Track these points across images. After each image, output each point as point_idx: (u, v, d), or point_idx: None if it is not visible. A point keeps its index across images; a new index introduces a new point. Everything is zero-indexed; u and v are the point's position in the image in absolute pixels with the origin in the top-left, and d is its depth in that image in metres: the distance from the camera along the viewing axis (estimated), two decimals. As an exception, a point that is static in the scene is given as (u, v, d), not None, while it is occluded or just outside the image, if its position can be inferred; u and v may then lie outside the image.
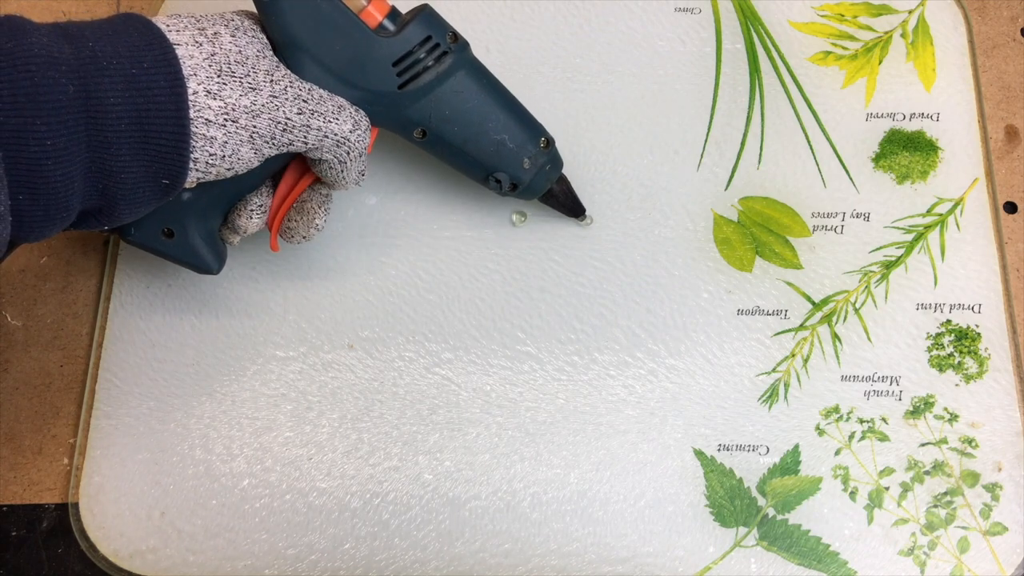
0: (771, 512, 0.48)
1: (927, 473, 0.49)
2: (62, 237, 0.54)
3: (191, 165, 0.39)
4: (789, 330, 0.52)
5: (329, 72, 0.44)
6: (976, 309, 0.52)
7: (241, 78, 0.40)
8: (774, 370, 0.51)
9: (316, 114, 0.42)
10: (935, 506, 0.48)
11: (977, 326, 0.52)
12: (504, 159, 0.48)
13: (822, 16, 0.58)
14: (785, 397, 0.50)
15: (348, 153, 0.44)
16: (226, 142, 0.39)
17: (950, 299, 0.52)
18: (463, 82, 0.46)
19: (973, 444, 0.50)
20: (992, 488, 0.49)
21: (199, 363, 0.51)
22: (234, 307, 0.52)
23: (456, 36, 0.46)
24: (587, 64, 0.57)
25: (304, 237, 0.48)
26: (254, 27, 0.43)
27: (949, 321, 0.52)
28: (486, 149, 0.48)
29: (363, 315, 0.52)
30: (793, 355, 0.51)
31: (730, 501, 0.49)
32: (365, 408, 0.50)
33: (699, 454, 0.49)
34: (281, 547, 0.48)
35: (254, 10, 0.44)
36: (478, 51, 0.58)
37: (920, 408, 0.50)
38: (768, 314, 0.52)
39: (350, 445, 0.50)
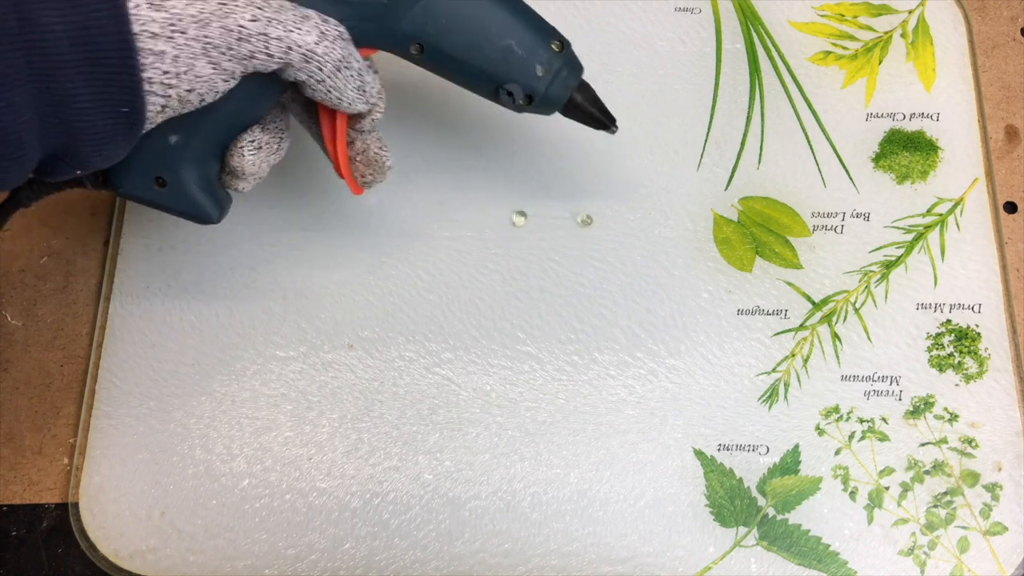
0: (771, 512, 0.48)
1: (927, 473, 0.49)
2: (62, 237, 0.54)
3: (146, 87, 0.37)
4: (789, 330, 0.52)
5: None
6: (976, 309, 0.52)
7: None
8: (774, 370, 0.51)
9: (274, 22, 0.39)
10: (935, 506, 0.48)
11: (977, 326, 0.52)
12: (514, 67, 0.44)
13: (822, 16, 0.58)
14: (785, 397, 0.50)
15: (321, 68, 0.41)
16: (177, 56, 0.37)
17: (950, 299, 0.52)
18: None
19: (973, 444, 0.50)
20: (992, 488, 0.49)
21: (199, 363, 0.51)
22: (234, 307, 0.52)
23: None
24: (587, 64, 0.57)
25: (383, 179, 0.47)
26: None
27: (949, 321, 0.52)
28: (491, 57, 0.43)
29: (363, 315, 0.52)
30: (793, 355, 0.51)
31: (730, 501, 0.49)
32: (365, 408, 0.50)
33: (699, 454, 0.49)
34: (281, 547, 0.48)
35: None
36: (478, 51, 0.57)
37: (920, 408, 0.50)
38: (768, 314, 0.52)
39: (350, 445, 0.50)
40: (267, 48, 0.39)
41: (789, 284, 0.52)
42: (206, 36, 0.38)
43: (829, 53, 0.57)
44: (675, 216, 0.54)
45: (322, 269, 0.53)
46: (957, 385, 0.51)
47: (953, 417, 0.50)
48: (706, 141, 0.56)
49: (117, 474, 0.49)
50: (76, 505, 0.49)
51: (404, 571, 0.47)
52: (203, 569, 0.47)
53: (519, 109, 0.46)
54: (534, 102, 0.45)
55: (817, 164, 0.55)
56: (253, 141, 0.43)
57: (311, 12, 0.41)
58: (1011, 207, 0.55)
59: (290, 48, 0.40)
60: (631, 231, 0.54)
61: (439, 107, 0.56)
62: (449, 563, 0.48)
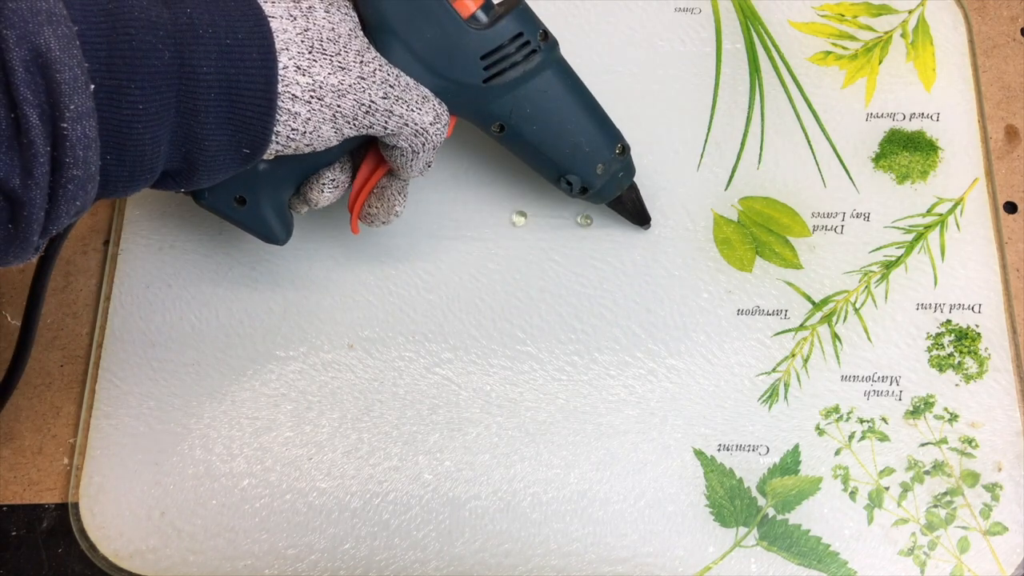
0: (771, 512, 0.48)
1: (927, 473, 0.49)
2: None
3: (273, 138, 0.39)
4: (789, 330, 0.52)
5: (416, 58, 0.43)
6: (976, 309, 0.52)
7: (332, 56, 0.40)
8: (774, 370, 0.51)
9: (400, 101, 0.42)
10: (935, 506, 0.48)
11: (977, 326, 0.52)
12: (578, 162, 0.48)
13: (822, 16, 0.58)
14: (785, 397, 0.50)
15: (424, 144, 0.43)
16: (309, 119, 0.39)
17: (950, 299, 0.52)
18: (549, 81, 0.46)
19: (973, 444, 0.50)
20: (992, 488, 0.49)
21: (199, 363, 0.51)
22: (234, 307, 0.52)
23: (547, 34, 0.45)
24: (587, 64, 0.57)
25: (384, 222, 0.48)
26: (347, 4, 0.42)
27: (949, 321, 0.52)
28: (562, 150, 0.48)
29: (363, 315, 0.52)
30: (793, 355, 0.51)
31: (730, 501, 0.49)
32: (365, 408, 0.50)
33: (699, 454, 0.49)
34: (281, 547, 0.48)
35: None
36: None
37: (920, 408, 0.50)
38: (768, 314, 0.52)
39: (350, 445, 0.50)
40: (387, 122, 0.42)
41: (789, 284, 0.52)
42: (339, 105, 0.40)
43: (829, 53, 0.57)
44: (675, 216, 0.54)
45: (322, 269, 0.53)
46: (957, 385, 0.51)
47: (953, 417, 0.50)
48: (706, 141, 0.56)
49: (117, 474, 0.49)
50: (76, 505, 0.49)
51: (404, 571, 0.47)
52: (203, 569, 0.47)
53: (573, 196, 0.50)
54: (588, 193, 0.50)
55: (817, 164, 0.55)
56: (333, 180, 0.46)
57: (428, 92, 0.43)
58: (1011, 207, 0.55)
59: (407, 124, 0.42)
60: (631, 231, 0.54)
61: (439, 107, 0.56)
62: (449, 563, 0.48)
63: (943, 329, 0.52)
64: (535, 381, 0.51)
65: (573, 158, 0.48)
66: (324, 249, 0.53)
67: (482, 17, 0.44)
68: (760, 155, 0.55)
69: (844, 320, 0.52)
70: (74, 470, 0.49)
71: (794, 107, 0.56)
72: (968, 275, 0.53)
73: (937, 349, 0.51)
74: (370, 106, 0.41)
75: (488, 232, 0.54)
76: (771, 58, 0.57)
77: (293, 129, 0.39)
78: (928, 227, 0.54)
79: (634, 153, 0.54)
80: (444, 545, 0.48)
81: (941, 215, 0.54)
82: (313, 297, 0.52)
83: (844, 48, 0.57)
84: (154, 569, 0.47)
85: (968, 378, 0.51)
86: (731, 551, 0.48)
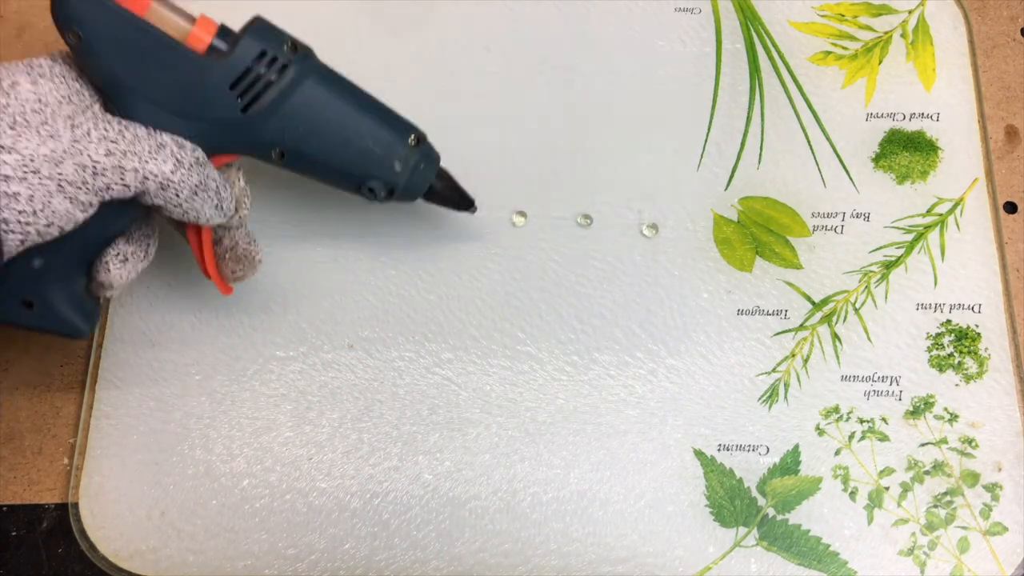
0: (771, 512, 0.48)
1: (927, 473, 0.49)
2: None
3: (4, 227, 0.37)
4: (789, 330, 0.52)
5: (163, 108, 0.41)
6: (976, 309, 0.52)
7: (38, 127, 0.38)
8: (774, 370, 0.51)
9: (129, 155, 0.39)
10: (935, 506, 0.48)
11: (977, 326, 0.52)
12: (373, 165, 0.45)
13: (822, 16, 0.58)
14: (785, 397, 0.50)
15: (178, 194, 0.41)
16: (32, 196, 0.37)
17: (950, 299, 0.52)
18: (311, 92, 0.43)
19: (973, 444, 0.50)
20: (992, 488, 0.49)
21: (199, 363, 0.51)
22: (234, 307, 0.52)
23: (296, 45, 0.43)
24: (587, 64, 0.57)
25: (253, 273, 0.48)
26: (66, 71, 0.40)
27: (949, 321, 0.52)
28: (351, 159, 0.45)
29: (363, 315, 0.52)
30: (793, 355, 0.51)
31: (730, 501, 0.49)
32: (365, 408, 0.50)
33: (699, 454, 0.49)
34: (281, 547, 0.48)
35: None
36: (477, 51, 0.58)
37: (920, 408, 0.50)
38: (768, 314, 0.52)
39: (350, 445, 0.50)
40: (123, 179, 0.40)
41: (789, 284, 0.52)
42: (60, 174, 0.38)
43: (829, 53, 0.57)
44: (675, 216, 0.54)
45: (322, 269, 0.53)
46: (957, 385, 0.51)
47: (953, 417, 0.50)
48: (706, 141, 0.56)
49: (117, 474, 0.49)
50: (76, 505, 0.49)
51: (404, 571, 0.47)
52: (203, 569, 0.47)
53: (382, 201, 0.47)
54: (395, 194, 0.47)
55: (817, 164, 0.55)
56: (118, 255, 0.44)
57: (166, 139, 0.41)
58: (1011, 207, 0.55)
59: (146, 178, 0.40)
60: (631, 231, 0.54)
61: (439, 108, 0.56)
62: (449, 563, 0.48)
63: (943, 329, 0.52)
64: (535, 381, 0.51)
65: (366, 163, 0.45)
66: (324, 249, 0.53)
67: (221, 46, 0.41)
68: (760, 155, 0.55)
69: (844, 320, 0.52)
70: (74, 470, 0.49)
71: (794, 107, 0.56)
72: (968, 275, 0.53)
73: (937, 349, 0.51)
74: (95, 167, 0.39)
75: (488, 232, 0.54)
76: (771, 58, 0.57)
77: (21, 212, 0.37)
78: (928, 227, 0.54)
79: (634, 153, 0.54)
80: (444, 545, 0.48)
81: (941, 215, 0.54)
82: (313, 297, 0.52)
83: (844, 48, 0.57)
84: (154, 569, 0.47)
85: (968, 378, 0.51)
86: (731, 551, 0.48)
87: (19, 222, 0.37)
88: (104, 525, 0.48)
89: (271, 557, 0.48)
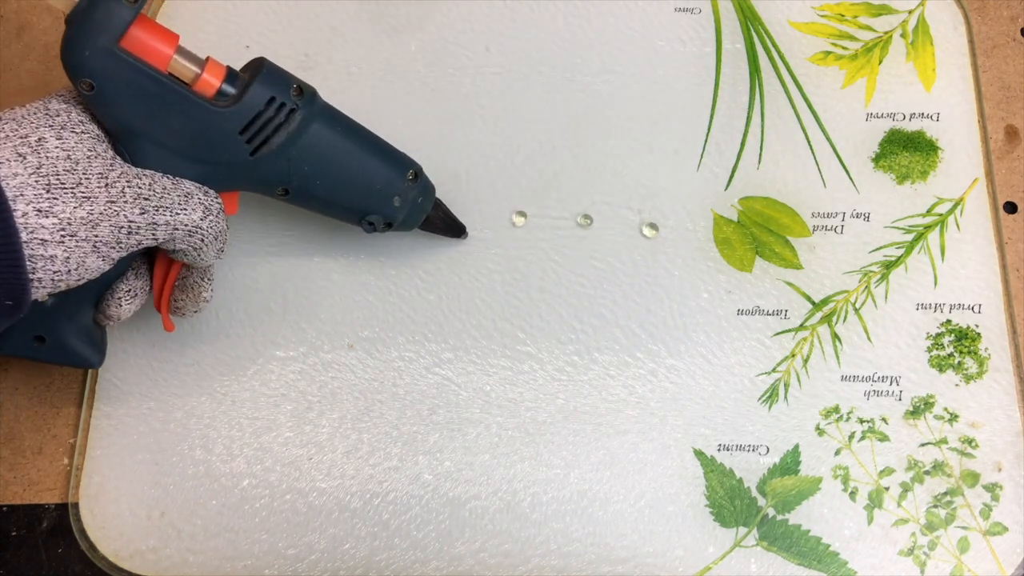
0: (771, 512, 0.48)
1: (927, 473, 0.49)
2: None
3: (35, 285, 0.37)
4: (789, 330, 0.52)
5: (173, 153, 0.41)
6: (976, 309, 0.52)
7: (73, 188, 0.37)
8: (774, 370, 0.51)
9: (161, 209, 0.40)
10: (935, 506, 0.48)
11: (977, 326, 0.52)
12: (373, 201, 0.47)
13: (822, 16, 0.58)
14: (785, 397, 0.50)
15: (203, 240, 0.42)
16: (68, 258, 0.37)
17: (950, 299, 0.52)
18: (318, 135, 0.44)
19: (973, 444, 0.50)
20: (992, 488, 0.49)
21: (199, 363, 0.51)
22: (234, 307, 0.52)
23: (301, 89, 0.43)
24: (587, 64, 0.57)
25: (195, 311, 0.48)
26: (82, 118, 0.40)
27: (949, 321, 0.52)
28: (354, 196, 0.46)
29: (363, 315, 0.52)
30: (793, 355, 0.51)
31: (730, 501, 0.49)
32: (365, 408, 0.50)
33: (699, 454, 0.49)
34: (281, 547, 0.48)
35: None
36: (478, 51, 0.58)
37: (920, 408, 0.50)
38: (768, 314, 0.52)
39: (350, 445, 0.50)
40: (154, 234, 0.40)
41: (789, 284, 0.52)
42: (96, 236, 0.38)
43: (829, 53, 0.57)
44: (675, 216, 0.54)
45: (322, 269, 0.53)
46: (957, 385, 0.51)
47: (953, 417, 0.50)
48: (706, 141, 0.55)
49: (117, 474, 0.49)
50: (76, 505, 0.49)
51: (404, 571, 0.47)
52: (203, 569, 0.47)
53: (380, 231, 0.49)
54: (393, 227, 0.48)
55: (817, 164, 0.55)
56: (129, 291, 0.45)
57: (191, 187, 0.42)
58: (1011, 207, 0.55)
59: (176, 229, 0.41)
60: (631, 231, 0.54)
61: (439, 108, 0.56)
62: (449, 563, 0.48)
63: (943, 329, 0.52)
64: (535, 381, 0.51)
65: (368, 200, 0.46)
66: (324, 250, 0.53)
67: (229, 90, 0.42)
68: (760, 155, 0.55)
69: (844, 320, 0.52)
70: (74, 470, 0.49)
71: (794, 107, 0.56)
72: (968, 275, 0.53)
73: (937, 349, 0.51)
74: (130, 226, 0.39)
75: (488, 232, 0.54)
76: (771, 58, 0.57)
77: (55, 272, 0.37)
78: (928, 227, 0.54)
79: (634, 153, 0.54)
80: (444, 545, 0.48)
81: (941, 215, 0.54)
82: (313, 297, 0.52)
83: (844, 48, 0.57)
84: (154, 569, 0.47)
85: (968, 378, 0.51)
86: (731, 551, 0.48)
87: (53, 281, 0.38)
88: (104, 525, 0.48)
89: (271, 557, 0.48)
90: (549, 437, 0.50)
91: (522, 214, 0.54)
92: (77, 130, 0.39)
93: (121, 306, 0.45)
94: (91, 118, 0.40)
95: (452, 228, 0.52)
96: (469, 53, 0.57)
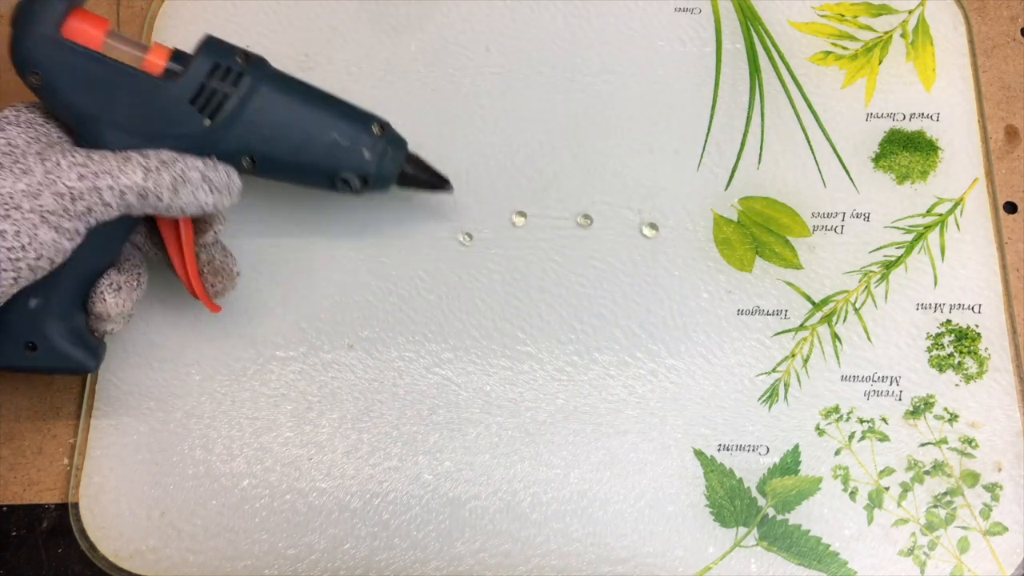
0: (771, 512, 0.48)
1: (927, 473, 0.49)
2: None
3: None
4: (789, 330, 0.52)
5: (132, 134, 0.43)
6: (976, 309, 0.52)
7: (11, 167, 0.40)
8: (774, 370, 0.51)
9: (103, 173, 0.41)
10: (935, 506, 0.48)
11: (977, 326, 0.52)
12: (342, 157, 0.47)
13: (822, 16, 0.58)
14: (785, 397, 0.50)
15: (159, 198, 0.42)
16: (17, 231, 0.39)
17: (950, 299, 0.52)
18: (270, 96, 0.45)
19: (973, 444, 0.50)
20: (992, 488, 0.49)
21: (199, 363, 0.51)
22: (234, 307, 0.52)
23: (248, 56, 0.45)
24: (587, 64, 0.57)
25: (233, 287, 0.49)
26: (32, 117, 0.43)
27: (949, 321, 0.52)
28: (319, 153, 0.46)
29: (363, 315, 0.52)
30: (793, 355, 0.51)
31: (730, 501, 0.49)
32: (365, 408, 0.50)
33: (699, 454, 0.49)
34: (281, 547, 0.48)
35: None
36: (478, 51, 0.58)
37: (920, 408, 0.50)
38: (768, 314, 0.52)
39: (350, 445, 0.50)
40: (102, 198, 0.41)
41: (789, 284, 0.52)
42: (40, 206, 0.39)
43: (829, 53, 0.57)
44: (675, 216, 0.54)
45: (322, 269, 0.53)
46: (957, 385, 0.51)
47: (953, 417, 0.50)
48: (706, 141, 0.55)
49: (117, 474, 0.49)
50: (76, 505, 0.49)
51: (404, 571, 0.47)
52: (203, 569, 0.47)
53: (359, 192, 0.48)
54: (369, 183, 0.48)
55: (817, 164, 0.55)
56: (111, 284, 0.45)
57: (131, 153, 0.43)
58: (1011, 207, 0.55)
59: (123, 192, 0.41)
60: (631, 231, 0.54)
61: (439, 108, 0.56)
62: (449, 563, 0.48)
63: (943, 329, 0.52)
64: (535, 381, 0.51)
65: (336, 156, 0.46)
66: (324, 249, 0.53)
67: (176, 67, 0.43)
68: (760, 155, 0.55)
69: (844, 320, 0.52)
70: (74, 470, 0.49)
71: (794, 107, 0.56)
72: (968, 275, 0.53)
73: (937, 349, 0.51)
74: (71, 192, 0.40)
75: (488, 232, 0.54)
76: (771, 58, 0.57)
77: (9, 248, 0.38)
78: (928, 227, 0.54)
79: (634, 153, 0.54)
80: (444, 545, 0.48)
81: (941, 215, 0.54)
82: (313, 297, 0.52)
83: (844, 48, 0.57)
84: (154, 569, 0.47)
85: (968, 378, 0.51)
86: (731, 551, 0.48)
87: (9, 259, 0.39)
88: (104, 525, 0.48)
89: (271, 557, 0.48)
90: (549, 437, 0.50)
91: (522, 214, 0.54)
92: (23, 126, 0.42)
93: (105, 300, 0.45)
94: (44, 119, 0.43)
95: (434, 180, 0.50)
96: (469, 53, 0.57)
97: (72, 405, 0.51)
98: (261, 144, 0.45)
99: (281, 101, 0.45)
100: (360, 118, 0.47)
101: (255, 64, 0.45)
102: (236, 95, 0.44)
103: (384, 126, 0.48)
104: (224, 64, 0.44)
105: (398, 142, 0.49)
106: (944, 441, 0.50)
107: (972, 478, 0.49)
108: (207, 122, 0.44)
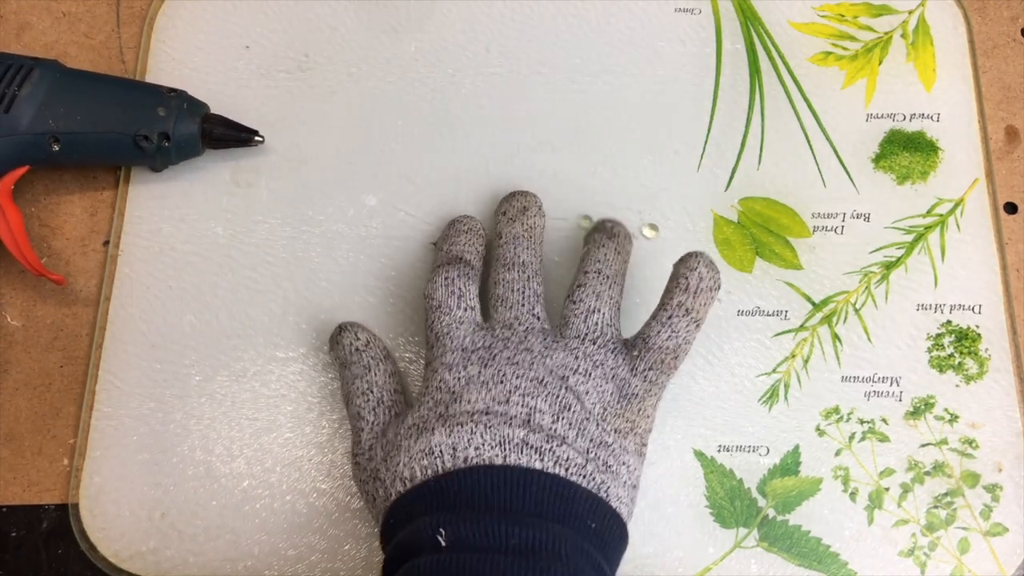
0: (771, 513, 0.48)
1: (927, 474, 0.49)
2: (62, 237, 0.54)
3: None
4: (789, 331, 0.52)
5: None
6: (976, 310, 0.52)
7: None
8: (774, 371, 0.51)
9: None
10: (935, 507, 0.48)
11: (977, 327, 0.52)
12: (136, 116, 0.50)
13: (822, 16, 0.58)
14: (785, 398, 0.50)
15: None
16: None
17: (950, 300, 0.52)
18: (63, 80, 0.49)
19: (973, 445, 0.50)
20: (992, 489, 0.49)
21: (199, 364, 0.51)
22: (234, 307, 0.52)
23: (37, 58, 0.50)
24: (587, 64, 0.57)
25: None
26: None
27: (949, 322, 0.52)
28: (115, 117, 0.49)
29: (363, 315, 0.52)
30: (793, 356, 0.51)
31: (730, 502, 0.49)
32: (365, 409, 0.50)
33: (699, 455, 0.49)
34: (281, 548, 0.48)
35: None
36: (478, 51, 0.58)
37: (920, 409, 0.50)
38: (768, 315, 0.52)
39: (350, 445, 0.50)
40: None
41: (789, 285, 0.52)
42: None
43: (829, 53, 0.57)
44: (675, 216, 0.54)
45: (322, 269, 0.53)
46: (957, 386, 0.51)
47: (953, 418, 0.50)
48: (706, 141, 0.55)
49: (117, 475, 0.49)
50: (76, 506, 0.49)
51: (404, 572, 0.47)
52: (204, 570, 0.47)
53: (165, 156, 0.51)
54: (172, 139, 0.51)
55: (817, 164, 0.55)
56: None
57: None
58: (1011, 208, 0.55)
59: None
60: (631, 231, 0.53)
61: (439, 108, 0.56)
62: (449, 564, 0.48)
63: (943, 330, 0.52)
64: (535, 382, 0.51)
65: (129, 115, 0.50)
66: (324, 249, 0.53)
67: None
68: (760, 155, 0.55)
69: (844, 321, 0.52)
70: (74, 471, 0.49)
71: (794, 107, 0.56)
72: (968, 276, 0.53)
73: (937, 350, 0.51)
74: None
75: (488, 232, 0.54)
76: (771, 58, 0.57)
77: None
78: (928, 228, 0.54)
79: (634, 153, 0.54)
80: (444, 546, 0.48)
81: (941, 216, 0.54)
82: (313, 297, 0.52)
83: (844, 48, 0.57)
84: (154, 570, 0.47)
85: (968, 379, 0.51)
86: (731, 552, 0.48)
87: None
88: (104, 526, 0.48)
89: (272, 558, 0.48)
90: (549, 438, 0.50)
91: (522, 214, 0.54)
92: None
93: None
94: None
95: (243, 134, 0.53)
96: (469, 53, 0.57)
97: (72, 406, 0.51)
98: (60, 121, 0.49)
99: (75, 82, 0.49)
100: (151, 87, 0.52)
101: (46, 61, 0.49)
102: (29, 84, 0.48)
103: (176, 90, 0.51)
104: (15, 64, 0.48)
105: (194, 100, 0.52)
106: (944, 442, 0.50)
107: (972, 479, 0.49)
108: (6, 112, 0.48)
